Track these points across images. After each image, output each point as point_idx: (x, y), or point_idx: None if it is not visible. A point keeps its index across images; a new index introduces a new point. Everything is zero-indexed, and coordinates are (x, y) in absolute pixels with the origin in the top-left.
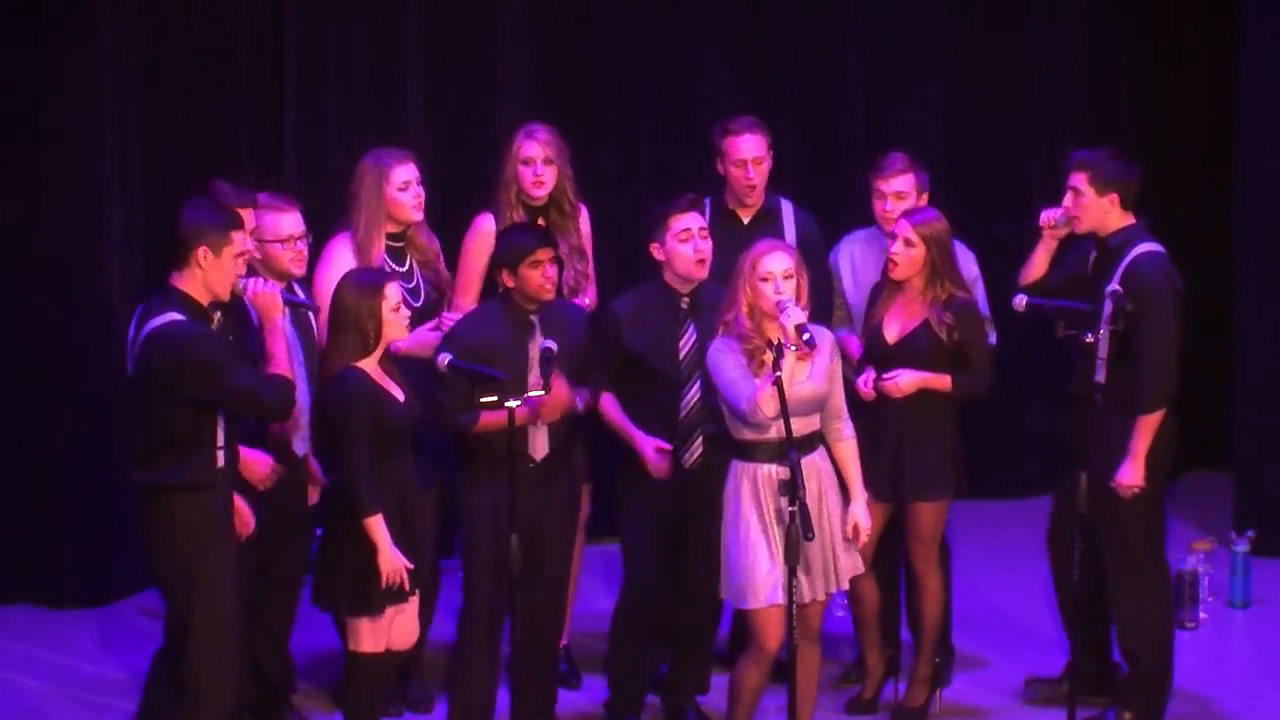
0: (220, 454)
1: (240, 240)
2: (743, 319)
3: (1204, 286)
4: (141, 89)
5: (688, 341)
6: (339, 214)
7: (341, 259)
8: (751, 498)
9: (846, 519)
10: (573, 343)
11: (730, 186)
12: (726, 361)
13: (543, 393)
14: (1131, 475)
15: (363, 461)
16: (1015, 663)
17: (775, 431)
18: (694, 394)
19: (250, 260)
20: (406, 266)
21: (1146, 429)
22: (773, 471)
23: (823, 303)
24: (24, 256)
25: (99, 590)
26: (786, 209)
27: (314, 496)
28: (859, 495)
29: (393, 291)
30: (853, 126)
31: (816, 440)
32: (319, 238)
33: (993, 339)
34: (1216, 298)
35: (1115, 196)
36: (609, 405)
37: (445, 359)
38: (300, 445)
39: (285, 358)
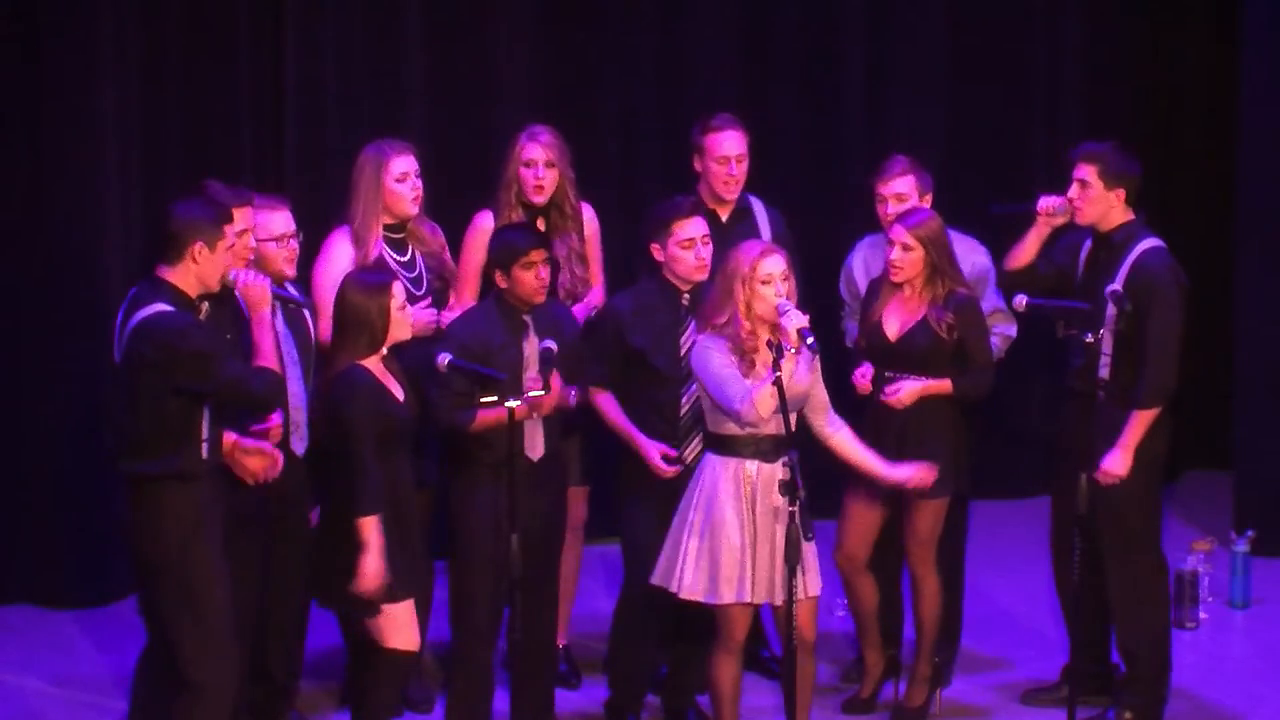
0: (205, 445)
1: (231, 234)
2: (741, 321)
3: (1204, 286)
4: (141, 89)
5: (688, 339)
6: (339, 213)
7: (340, 250)
8: (732, 493)
9: (893, 480)
10: (566, 344)
11: (708, 184)
12: (716, 359)
13: (543, 392)
14: (1119, 465)
15: (368, 460)
16: (1015, 663)
17: (764, 428)
18: (694, 391)
19: (246, 260)
20: (408, 256)
21: (1141, 423)
22: (757, 468)
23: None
24: (24, 256)
25: (99, 590)
26: (758, 206)
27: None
28: (881, 464)
29: (398, 290)
30: (853, 126)
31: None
32: (319, 236)
33: (1013, 331)
34: (1216, 297)
35: (1122, 192)
36: (609, 406)
37: (445, 359)
38: (298, 444)
39: (272, 351)
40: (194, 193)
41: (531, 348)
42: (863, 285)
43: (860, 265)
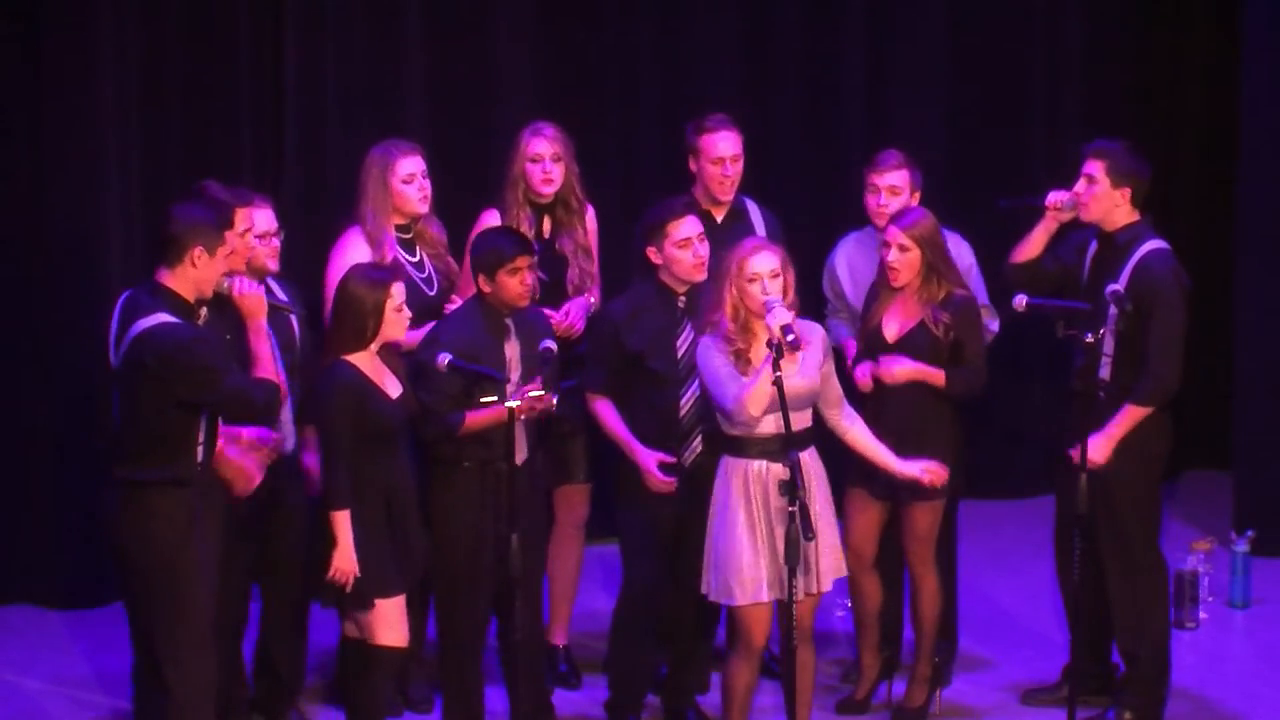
0: (200, 450)
1: (232, 239)
2: (726, 321)
3: (1204, 286)
4: (141, 89)
5: (685, 340)
6: (339, 213)
7: (355, 251)
8: (741, 494)
9: (905, 474)
10: (541, 349)
11: (703, 184)
12: (714, 360)
13: (543, 393)
14: (1101, 453)
15: (339, 455)
16: (1015, 663)
17: (767, 427)
18: (693, 393)
19: (246, 258)
20: (418, 257)
21: (1131, 417)
22: (764, 468)
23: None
24: (24, 257)
25: (99, 590)
26: (752, 207)
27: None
28: (895, 460)
29: (398, 290)
30: (853, 126)
31: (809, 438)
32: (321, 236)
33: (995, 326)
34: (1216, 298)
35: (1128, 191)
36: (607, 413)
37: (445, 359)
38: (288, 441)
39: (270, 360)
40: (193, 194)
41: (513, 350)
42: (845, 282)
43: (843, 263)
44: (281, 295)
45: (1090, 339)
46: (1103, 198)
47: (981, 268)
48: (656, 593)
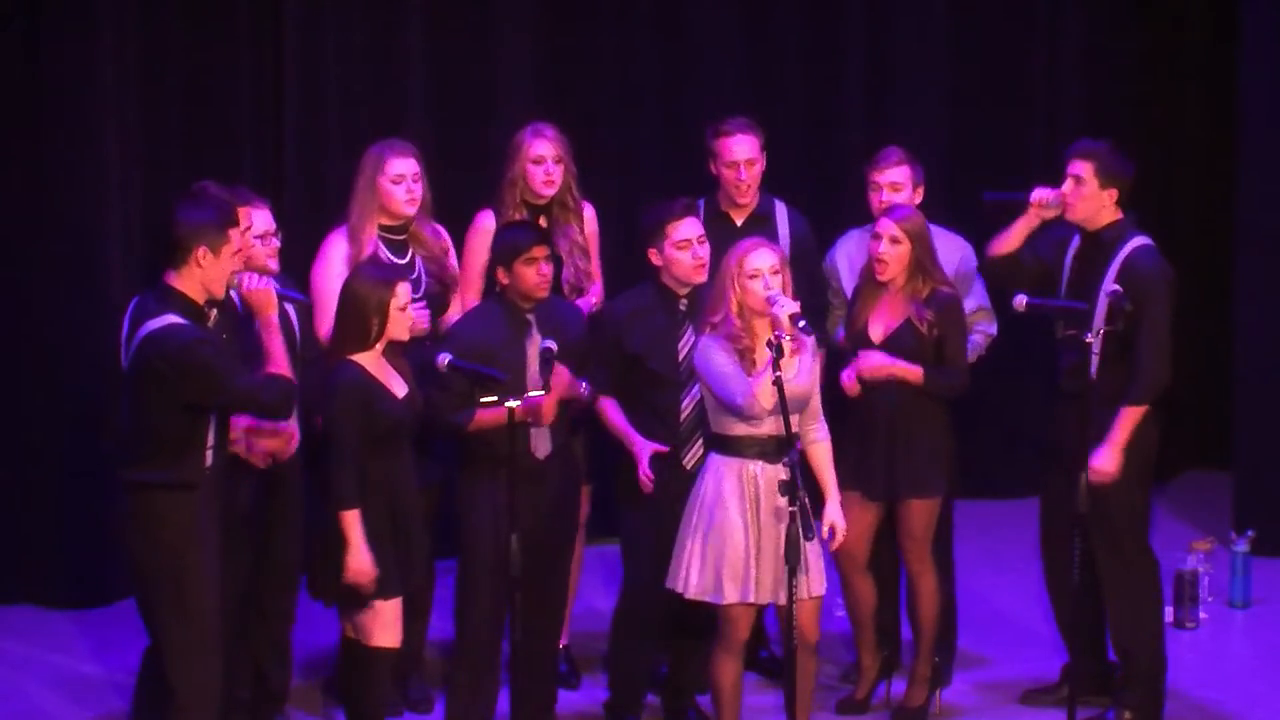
0: (209, 454)
1: (237, 238)
2: (733, 319)
3: (1204, 286)
4: (141, 89)
5: (686, 342)
6: (339, 214)
7: (335, 250)
8: (735, 492)
9: (826, 513)
10: (571, 341)
11: (723, 188)
12: (717, 357)
13: (543, 393)
14: (1109, 462)
15: (346, 455)
16: (1015, 663)
17: (765, 428)
18: (694, 395)
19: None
20: (406, 259)
21: (1129, 420)
22: (761, 469)
23: (816, 304)
24: (24, 257)
25: (98, 590)
26: (780, 210)
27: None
28: (834, 496)
29: (404, 290)
30: (853, 126)
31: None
32: (320, 236)
33: (994, 329)
34: (1216, 298)
35: (1115, 192)
36: (610, 409)
37: (445, 359)
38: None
39: (283, 356)
40: (191, 194)
41: (534, 347)
42: (845, 280)
43: (844, 260)
44: (291, 291)
45: (1090, 339)
46: (1090, 199)
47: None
48: (656, 593)
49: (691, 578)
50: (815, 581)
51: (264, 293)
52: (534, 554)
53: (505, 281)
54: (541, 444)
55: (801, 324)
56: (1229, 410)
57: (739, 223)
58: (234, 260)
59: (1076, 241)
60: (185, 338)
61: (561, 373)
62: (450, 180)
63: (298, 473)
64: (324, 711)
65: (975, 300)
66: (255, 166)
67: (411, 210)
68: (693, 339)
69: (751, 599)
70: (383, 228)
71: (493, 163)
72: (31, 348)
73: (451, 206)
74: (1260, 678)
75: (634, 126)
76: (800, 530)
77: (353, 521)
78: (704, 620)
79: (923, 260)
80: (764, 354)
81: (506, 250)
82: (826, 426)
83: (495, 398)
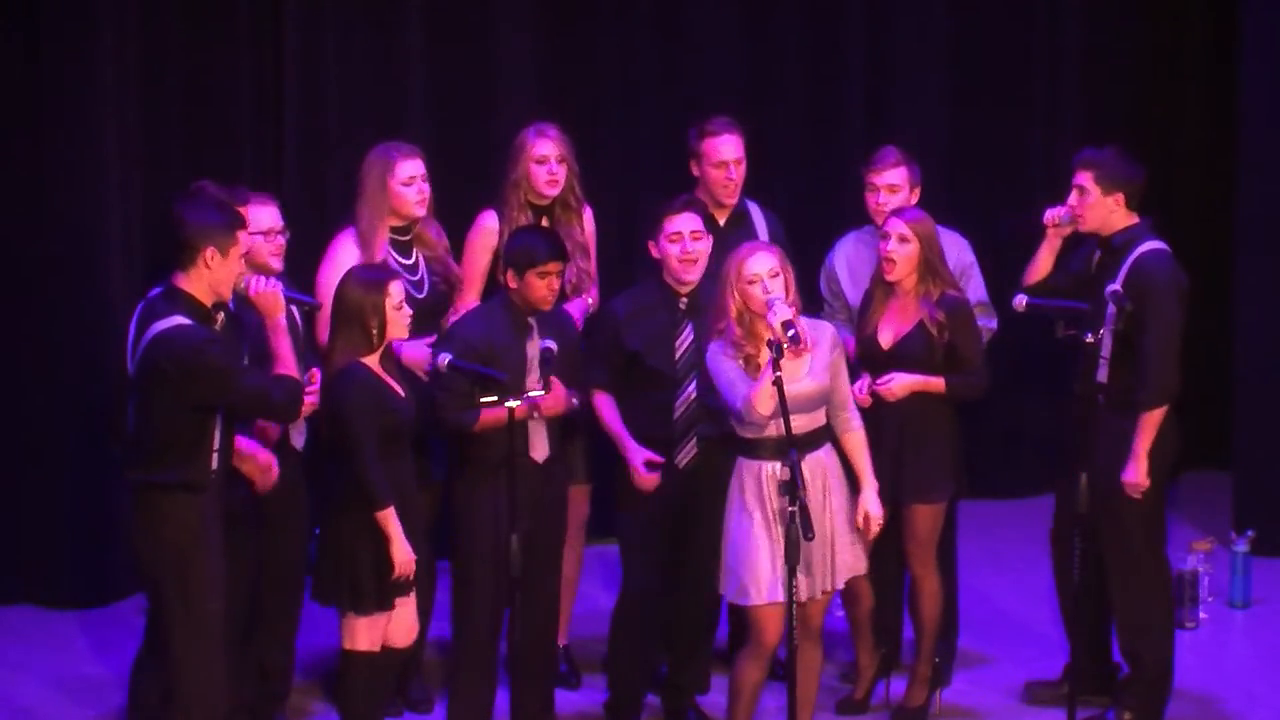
0: (215, 456)
1: (244, 239)
2: (733, 326)
3: (1204, 286)
4: (141, 89)
5: (685, 341)
6: (339, 213)
7: (345, 252)
8: (755, 495)
9: (856, 510)
10: (566, 347)
11: (706, 188)
12: (725, 364)
13: (543, 392)
14: (1137, 474)
15: (370, 454)
16: (1015, 663)
17: (775, 429)
18: (689, 393)
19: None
20: (412, 260)
21: (1149, 426)
22: (775, 469)
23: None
24: (24, 257)
25: (98, 590)
26: (755, 210)
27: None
28: (869, 484)
29: (396, 289)
30: (853, 126)
31: (822, 436)
32: (320, 236)
33: (994, 324)
34: (1216, 298)
35: (1121, 196)
36: (606, 407)
37: (446, 359)
38: (297, 439)
39: (291, 356)
40: (190, 194)
41: (535, 349)
42: (845, 282)
43: (843, 262)
44: (294, 291)
45: (1090, 339)
46: (1096, 206)
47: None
48: (655, 594)
49: (724, 580)
50: (842, 575)
51: (272, 295)
52: (531, 555)
53: (513, 286)
54: (540, 447)
55: (791, 333)
56: (1229, 410)
57: (721, 223)
58: (241, 262)
59: (1099, 252)
60: (194, 338)
61: (556, 387)
62: (450, 180)
63: (301, 475)
64: (324, 712)
65: (974, 295)
66: (255, 166)
67: (421, 212)
68: (691, 338)
69: (779, 598)
70: (390, 230)
71: (493, 163)
72: (31, 348)
73: (452, 206)
74: (1260, 678)
75: (634, 126)
76: (800, 530)
77: (390, 518)
78: (704, 620)
79: (932, 262)
80: (766, 358)
81: (521, 256)
82: (859, 415)
83: (495, 398)
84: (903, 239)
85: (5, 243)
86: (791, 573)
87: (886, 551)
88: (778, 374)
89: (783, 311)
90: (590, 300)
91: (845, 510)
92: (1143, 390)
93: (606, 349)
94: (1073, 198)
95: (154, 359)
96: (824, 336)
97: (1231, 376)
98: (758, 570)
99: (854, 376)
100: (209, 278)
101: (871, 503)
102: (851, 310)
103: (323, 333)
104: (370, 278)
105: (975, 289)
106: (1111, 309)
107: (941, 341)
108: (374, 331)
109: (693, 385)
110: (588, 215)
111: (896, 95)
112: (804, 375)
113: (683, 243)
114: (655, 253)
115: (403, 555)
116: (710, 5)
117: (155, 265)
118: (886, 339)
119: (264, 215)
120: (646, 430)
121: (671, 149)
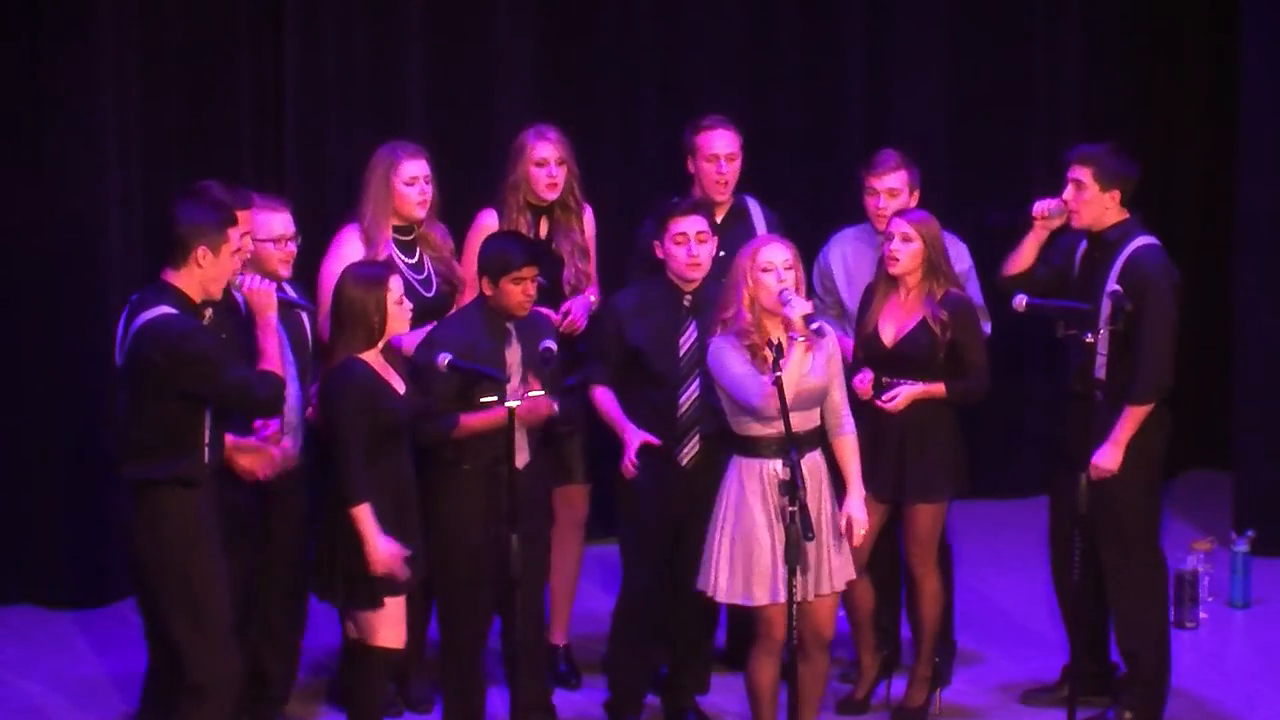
0: (207, 451)
1: (236, 237)
2: (744, 313)
3: (1204, 286)
4: (141, 90)
5: (688, 339)
6: (340, 213)
7: (349, 249)
8: (758, 493)
9: (846, 507)
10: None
11: (700, 184)
12: (731, 358)
13: (543, 393)
14: (1110, 459)
15: (354, 451)
16: (1015, 663)
17: (775, 428)
18: (692, 392)
19: (242, 259)
20: (416, 258)
21: (1133, 419)
22: (776, 468)
23: None
24: (23, 256)
25: (98, 590)
26: (754, 207)
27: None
28: (856, 491)
29: (395, 284)
30: (853, 125)
31: (817, 437)
32: (321, 236)
33: (987, 329)
34: (1216, 298)
35: (1117, 193)
36: (605, 399)
37: (445, 358)
38: (293, 442)
39: (277, 355)
40: (193, 194)
41: (514, 355)
42: (839, 277)
43: (838, 259)
44: (296, 296)
45: (1090, 339)
46: (1093, 203)
47: (976, 270)
48: (655, 593)
49: (721, 581)
50: (838, 577)
51: (264, 293)
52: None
53: (489, 293)
54: (521, 453)
55: (815, 325)
56: (1229, 410)
57: (718, 218)
58: (234, 260)
59: (1084, 244)
60: (180, 327)
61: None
62: (450, 180)
63: (299, 472)
64: (324, 712)
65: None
66: (255, 166)
67: (423, 213)
68: (694, 337)
69: (782, 598)
70: (392, 229)
71: (493, 162)
72: (32, 348)
73: (452, 206)
74: (1260, 678)
75: (634, 126)
76: (800, 530)
77: (364, 515)
78: (704, 621)
79: (936, 261)
80: (785, 339)
81: (495, 264)
82: (852, 419)
83: (495, 398)
84: (906, 238)
85: (5, 242)
86: (792, 573)
87: (883, 553)
88: (778, 374)
89: (801, 305)
90: (592, 299)
91: (832, 515)
92: (1135, 384)
93: (608, 343)
94: (1068, 192)
95: (141, 347)
96: (823, 340)
97: (1231, 376)
98: (764, 570)
99: (855, 370)
100: (200, 275)
101: (856, 508)
102: (844, 308)
103: (324, 331)
104: (369, 274)
105: (972, 293)
106: (1109, 309)
107: (944, 340)
108: (375, 328)
109: (695, 383)
110: (588, 216)
111: (896, 95)
112: (809, 371)
113: (688, 244)
114: (660, 253)
115: (378, 554)
116: (710, 6)
117: (155, 265)
118: (889, 336)
119: (275, 221)
120: (646, 429)
121: (671, 149)
